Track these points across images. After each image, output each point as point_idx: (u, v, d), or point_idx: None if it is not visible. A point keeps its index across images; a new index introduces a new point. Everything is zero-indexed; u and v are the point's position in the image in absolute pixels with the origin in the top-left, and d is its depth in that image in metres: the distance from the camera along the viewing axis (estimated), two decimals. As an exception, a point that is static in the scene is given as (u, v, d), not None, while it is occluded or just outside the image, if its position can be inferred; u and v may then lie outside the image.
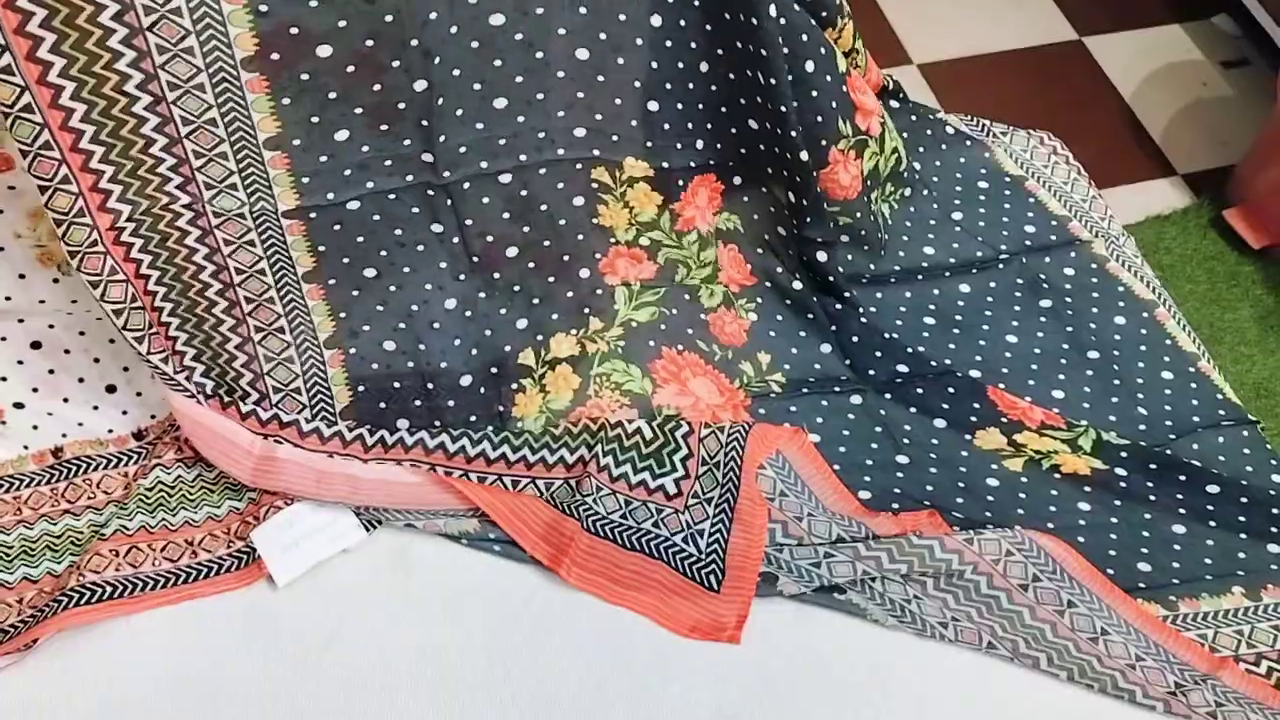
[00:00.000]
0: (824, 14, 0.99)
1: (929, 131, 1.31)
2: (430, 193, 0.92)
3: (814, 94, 0.99)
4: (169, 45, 0.78)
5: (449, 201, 0.93)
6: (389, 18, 0.80)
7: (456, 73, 0.86)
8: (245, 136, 0.84)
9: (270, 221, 0.89)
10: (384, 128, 0.86)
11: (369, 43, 0.81)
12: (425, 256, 0.95)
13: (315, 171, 0.87)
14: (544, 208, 0.97)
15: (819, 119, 1.00)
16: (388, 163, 0.89)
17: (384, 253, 0.94)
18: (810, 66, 0.97)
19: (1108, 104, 1.64)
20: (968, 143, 1.32)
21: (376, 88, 0.84)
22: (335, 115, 0.85)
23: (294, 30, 0.79)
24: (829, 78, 1.00)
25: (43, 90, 0.76)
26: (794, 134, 0.98)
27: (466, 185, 0.92)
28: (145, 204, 0.85)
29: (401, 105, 0.86)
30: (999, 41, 1.70)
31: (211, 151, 0.84)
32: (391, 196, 0.91)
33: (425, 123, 0.87)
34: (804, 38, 0.96)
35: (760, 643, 0.94)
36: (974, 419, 1.08)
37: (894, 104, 1.31)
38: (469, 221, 0.94)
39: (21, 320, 0.99)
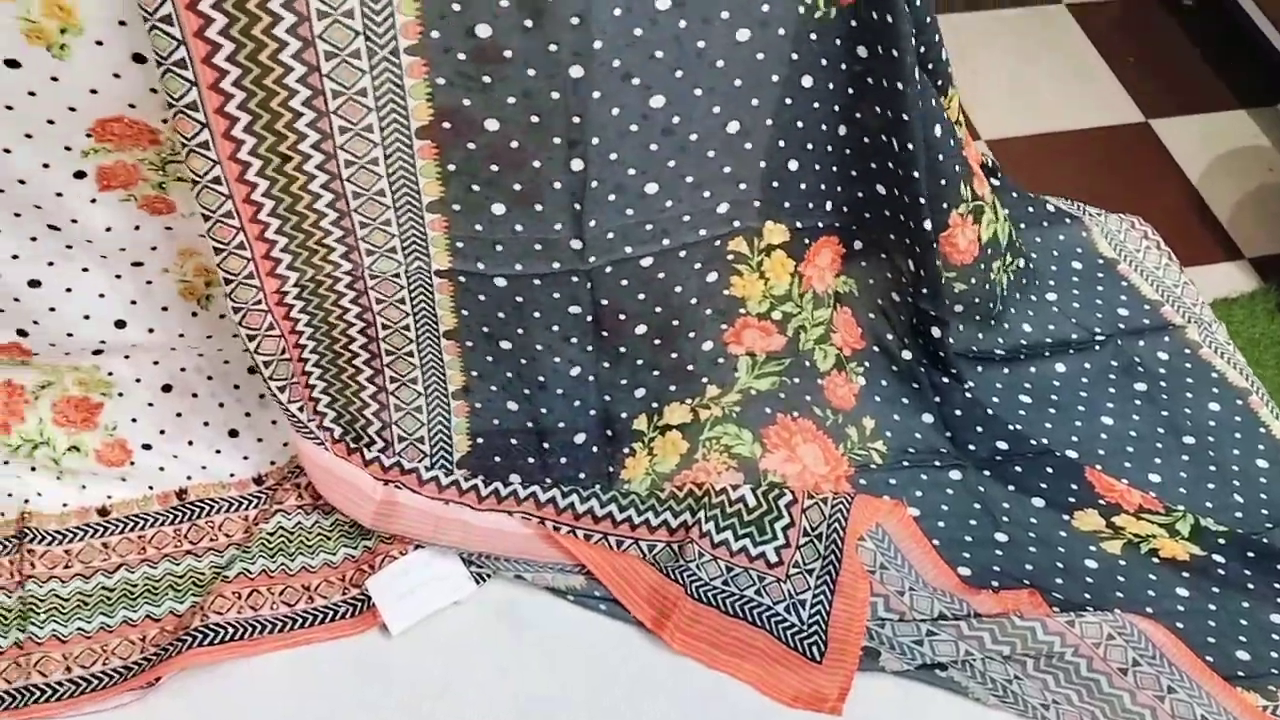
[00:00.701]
0: (939, 82, 1.02)
1: (1030, 208, 1.34)
2: (574, 278, 0.95)
3: (940, 158, 1.01)
4: (350, 125, 0.82)
5: (589, 285, 0.96)
6: (555, 95, 0.84)
7: (614, 156, 0.89)
8: (410, 201, 0.88)
9: (423, 280, 0.93)
10: (538, 208, 0.90)
11: (534, 118, 0.85)
12: (559, 334, 0.99)
13: (469, 238, 0.91)
14: (679, 289, 1.00)
15: (943, 182, 1.03)
16: (537, 246, 0.93)
17: (520, 331, 0.98)
18: (938, 131, 0.99)
19: (1174, 187, 1.66)
20: (1068, 221, 1.34)
21: (535, 165, 0.87)
22: (493, 189, 0.89)
23: (466, 103, 0.83)
24: (951, 142, 1.02)
25: (232, 166, 0.80)
26: (920, 199, 1.00)
27: (608, 269, 0.96)
28: (311, 271, 0.89)
29: (557, 185, 0.89)
30: (1066, 121, 1.73)
31: (376, 220, 0.88)
32: (537, 282, 0.95)
33: (578, 206, 0.91)
34: (932, 102, 0.99)
35: (862, 716, 0.95)
36: (1072, 500, 1.09)
37: (994, 181, 1.34)
38: (604, 301, 0.98)
39: (156, 362, 1.03)
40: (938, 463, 1.11)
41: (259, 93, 0.78)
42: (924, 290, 1.08)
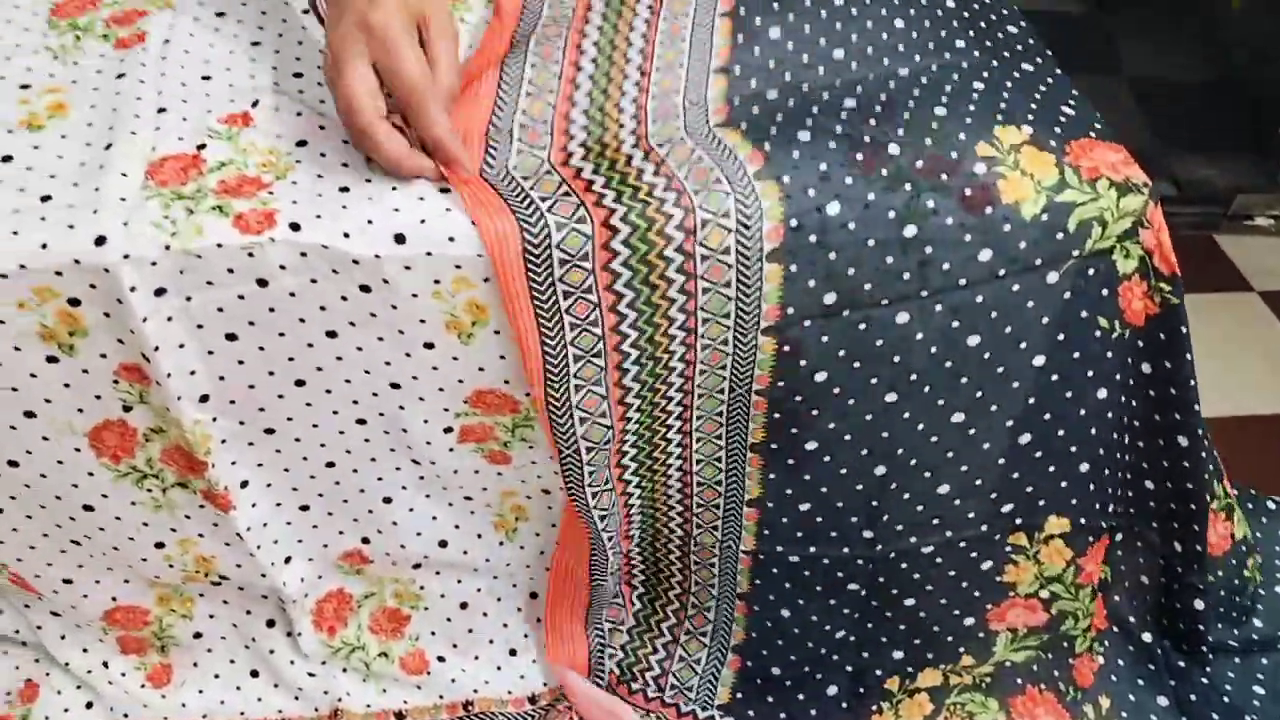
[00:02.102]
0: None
1: (1249, 505, 1.38)
2: (859, 561, 1.05)
3: (1202, 454, 1.07)
4: (706, 390, 0.95)
5: (870, 567, 1.06)
6: (869, 416, 0.96)
7: (913, 463, 1.00)
8: (735, 495, 1.01)
9: (731, 555, 1.05)
10: (839, 504, 1.01)
11: (847, 433, 0.98)
12: (835, 606, 1.08)
13: (776, 525, 1.03)
14: (953, 573, 1.08)
15: (1205, 475, 1.09)
16: (833, 534, 1.03)
17: (802, 601, 1.08)
18: (1200, 430, 1.06)
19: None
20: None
21: (842, 472, 0.99)
22: (805, 488, 1.01)
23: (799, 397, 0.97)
24: (1207, 440, 1.08)
25: (617, 408, 0.95)
26: (1195, 495, 1.07)
27: (891, 555, 1.05)
28: (649, 542, 1.03)
29: (859, 487, 1.00)
30: (1262, 405, 1.74)
31: (709, 503, 1.02)
32: (825, 561, 1.05)
33: (875, 503, 1.01)
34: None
35: None
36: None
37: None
38: (881, 579, 1.07)
39: (460, 581, 1.16)
40: (1174, 747, 1.13)
41: (647, 348, 0.90)
42: (1177, 569, 1.13)
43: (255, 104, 0.93)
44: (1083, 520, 1.09)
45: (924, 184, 0.87)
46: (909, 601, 1.08)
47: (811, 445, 0.97)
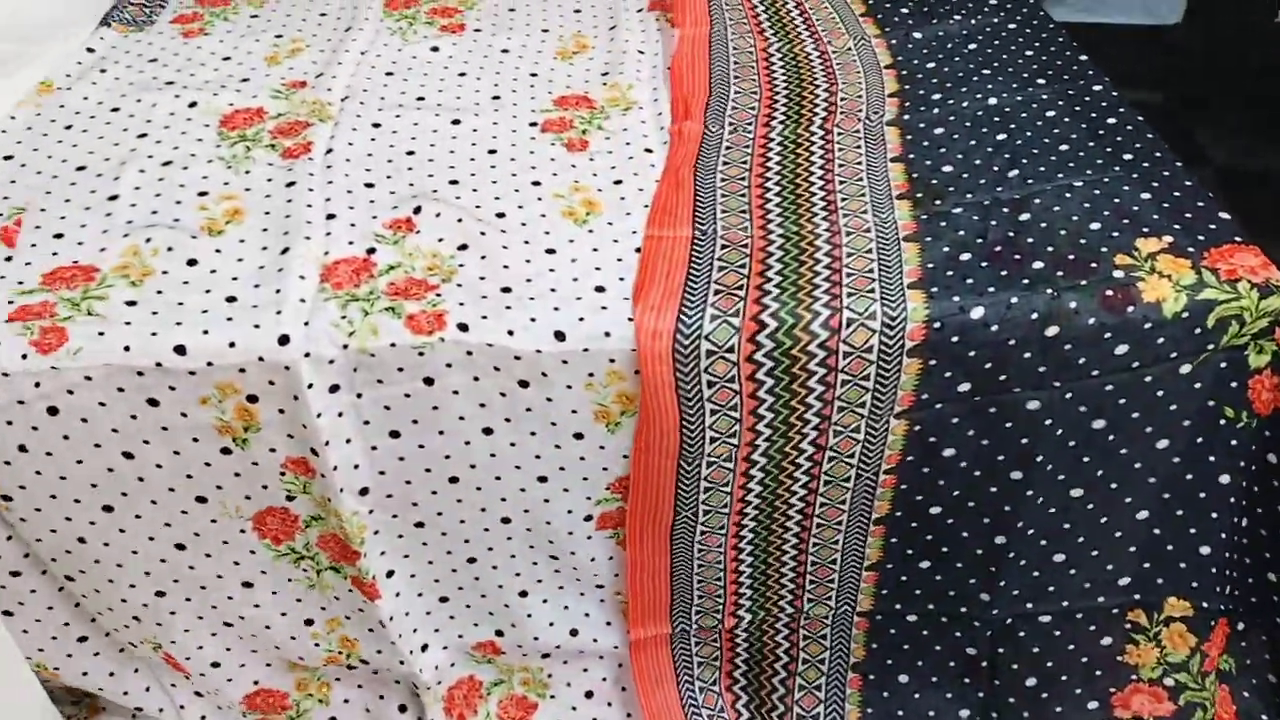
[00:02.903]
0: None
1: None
2: (976, 624, 1.06)
3: None
4: (832, 479, 0.98)
5: (988, 632, 1.06)
6: (994, 489, 0.98)
7: (1030, 533, 1.02)
8: (854, 561, 1.03)
9: (845, 620, 1.07)
10: (958, 564, 1.03)
11: (970, 503, 0.99)
12: (953, 671, 1.08)
13: (895, 585, 1.05)
14: (1071, 647, 1.08)
15: None
16: (951, 593, 1.05)
17: (920, 663, 1.08)
18: None
19: None
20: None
21: (964, 535, 1.01)
22: (925, 548, 1.03)
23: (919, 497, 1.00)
24: None
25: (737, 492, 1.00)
26: None
27: (1009, 621, 1.06)
28: (761, 615, 1.06)
29: (979, 551, 1.02)
30: None
31: (824, 580, 1.04)
32: (943, 620, 1.07)
33: (993, 567, 1.03)
34: None
35: None
36: None
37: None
38: (1000, 649, 1.07)
39: (586, 670, 1.17)
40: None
41: (780, 427, 0.94)
42: None
43: (417, 210, 0.99)
44: (1204, 604, 1.09)
45: (1065, 285, 0.91)
46: (1030, 681, 1.08)
47: (935, 510, 1.00)
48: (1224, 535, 1.06)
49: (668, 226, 0.98)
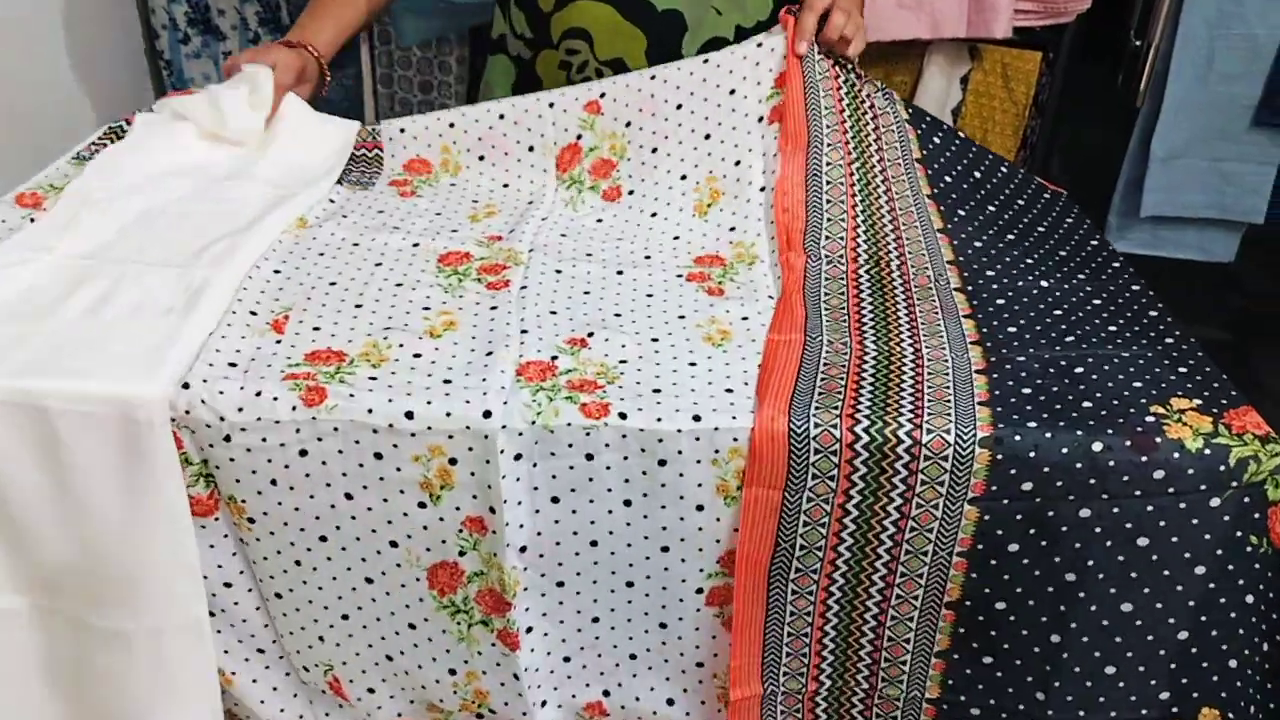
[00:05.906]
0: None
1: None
2: None
3: None
4: (909, 574, 1.18)
5: None
6: (1050, 589, 1.17)
7: (1085, 639, 1.18)
8: (925, 644, 1.21)
9: (914, 709, 1.24)
10: (1018, 662, 1.20)
11: (1031, 602, 1.18)
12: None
13: (960, 678, 1.23)
14: None
15: None
16: (1010, 689, 1.22)
17: None
18: None
19: None
20: None
21: (1025, 631, 1.18)
22: (986, 643, 1.21)
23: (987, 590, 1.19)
24: None
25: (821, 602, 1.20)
26: None
27: None
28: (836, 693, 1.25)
29: (1037, 649, 1.19)
30: None
31: (896, 659, 1.23)
32: (1004, 716, 1.23)
33: (1049, 668, 1.19)
34: None
35: None
36: None
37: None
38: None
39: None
40: None
41: (866, 513, 1.14)
42: None
43: (590, 334, 1.27)
44: (1230, 715, 1.22)
45: (1106, 422, 1.13)
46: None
47: (1000, 605, 1.18)
48: (1247, 651, 1.20)
49: (784, 332, 1.26)
